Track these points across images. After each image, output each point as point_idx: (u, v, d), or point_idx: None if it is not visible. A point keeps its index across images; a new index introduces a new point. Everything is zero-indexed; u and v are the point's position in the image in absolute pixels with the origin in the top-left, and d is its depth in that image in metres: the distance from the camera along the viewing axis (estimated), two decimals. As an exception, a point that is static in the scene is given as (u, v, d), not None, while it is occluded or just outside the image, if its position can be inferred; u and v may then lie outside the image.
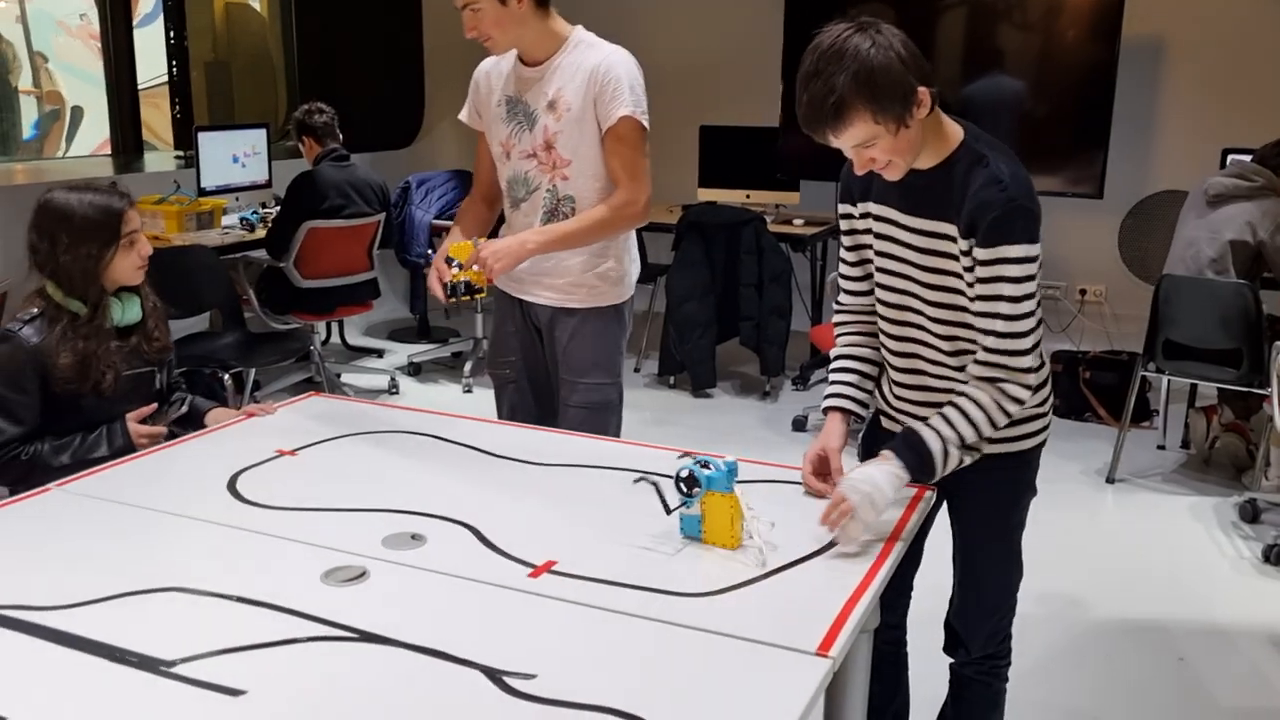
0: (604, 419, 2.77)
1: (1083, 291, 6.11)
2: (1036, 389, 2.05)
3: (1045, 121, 5.78)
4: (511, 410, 2.89)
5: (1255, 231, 4.13)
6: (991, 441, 2.02)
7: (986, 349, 1.90)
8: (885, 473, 1.87)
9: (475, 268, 2.50)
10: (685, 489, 1.80)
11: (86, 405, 2.37)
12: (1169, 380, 4.58)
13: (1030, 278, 1.86)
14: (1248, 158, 4.30)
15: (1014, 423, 2.03)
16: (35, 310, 2.35)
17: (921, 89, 1.79)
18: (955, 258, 1.92)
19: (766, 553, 1.77)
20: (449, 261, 2.51)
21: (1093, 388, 5.12)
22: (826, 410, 2.16)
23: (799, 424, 4.98)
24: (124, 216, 2.36)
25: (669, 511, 1.86)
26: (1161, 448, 4.82)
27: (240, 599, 1.62)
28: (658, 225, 5.84)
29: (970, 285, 1.91)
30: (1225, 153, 4.89)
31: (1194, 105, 5.78)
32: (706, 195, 6.04)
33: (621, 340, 2.83)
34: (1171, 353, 4.28)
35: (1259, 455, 4.24)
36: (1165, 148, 5.87)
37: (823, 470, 2.06)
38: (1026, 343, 1.89)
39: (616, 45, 2.67)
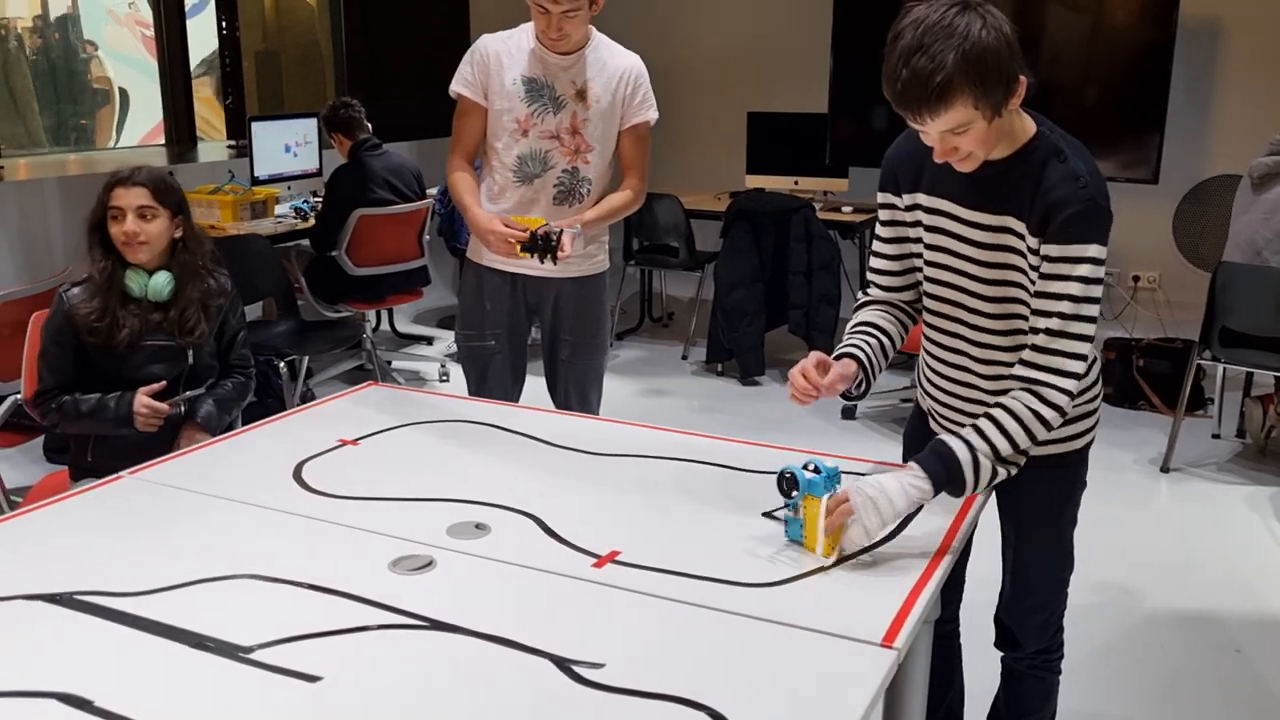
0: (601, 373, 3.15)
1: (1136, 278, 6.04)
2: (1089, 387, 2.02)
3: (1099, 105, 5.71)
4: (490, 383, 3.05)
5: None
6: (1042, 443, 1.98)
7: (1036, 347, 1.81)
8: (900, 482, 1.76)
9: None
10: (785, 489, 1.78)
11: (117, 363, 2.59)
12: (1224, 368, 4.52)
13: (1098, 281, 1.79)
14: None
15: (1066, 421, 1.97)
16: (86, 275, 2.62)
17: (1021, 78, 1.72)
18: (1021, 254, 1.85)
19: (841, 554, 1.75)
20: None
21: (1146, 376, 5.07)
22: (837, 358, 2.04)
23: (848, 413, 4.97)
24: (112, 191, 2.59)
25: (767, 514, 1.87)
26: (1216, 437, 4.76)
27: (312, 586, 1.65)
28: (707, 212, 5.86)
29: (1033, 283, 1.83)
30: (1285, 135, 4.81)
31: (1253, 87, 5.68)
32: (754, 182, 6.04)
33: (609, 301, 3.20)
34: (1228, 340, 4.23)
35: (1318, 445, 4.19)
36: (1223, 131, 5.78)
37: (819, 371, 1.93)
38: (1081, 347, 1.80)
39: (623, 48, 2.98)
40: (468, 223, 2.89)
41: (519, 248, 2.70)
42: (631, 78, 2.92)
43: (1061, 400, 1.81)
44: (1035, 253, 1.82)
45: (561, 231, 2.69)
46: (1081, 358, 1.81)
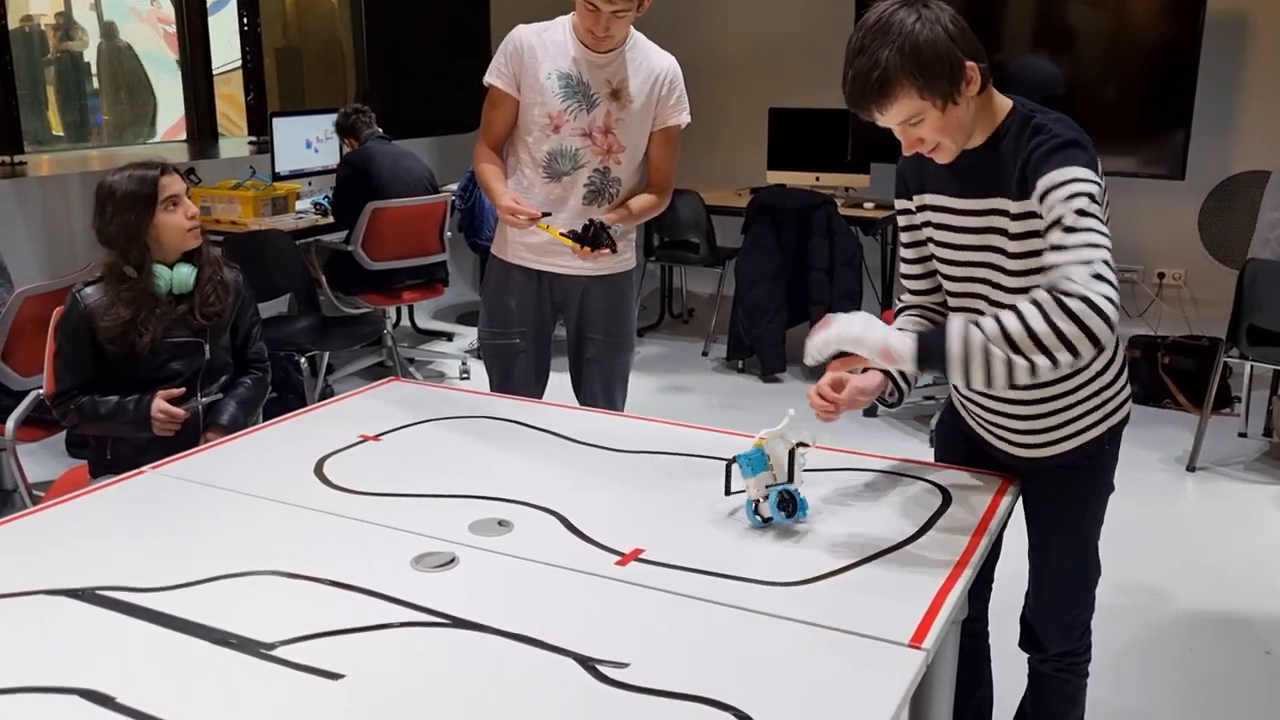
0: (627, 372, 3.12)
1: (1161, 275, 5.99)
2: (1106, 368, 1.97)
3: (1125, 101, 5.66)
4: (513, 381, 3.03)
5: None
6: (1059, 438, 1.97)
7: (1049, 267, 1.69)
8: (882, 327, 1.77)
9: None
10: (788, 513, 1.84)
11: (135, 363, 2.58)
12: (1252, 366, 4.47)
13: (1093, 199, 1.70)
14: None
15: (1087, 411, 1.97)
16: (99, 274, 2.61)
17: (970, 64, 1.75)
18: (1003, 233, 1.85)
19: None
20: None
21: (1172, 374, 5.02)
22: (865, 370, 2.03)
23: (870, 410, 4.94)
24: (159, 183, 2.58)
25: (728, 493, 1.93)
26: (1243, 435, 4.71)
27: (334, 583, 1.64)
28: (727, 208, 5.84)
29: (1010, 258, 1.84)
30: (1313, 132, 4.77)
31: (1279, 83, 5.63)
32: (775, 178, 6.01)
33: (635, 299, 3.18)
34: (1256, 338, 4.18)
35: (1347, 444, 4.14)
36: (1249, 127, 5.71)
37: (834, 388, 2.00)
38: (1091, 255, 1.64)
39: (660, 48, 2.94)
40: (491, 202, 2.84)
41: (570, 241, 2.67)
42: (667, 79, 2.88)
43: (1092, 295, 1.62)
44: (1020, 218, 1.81)
45: (609, 226, 2.69)
46: (1106, 277, 1.64)
